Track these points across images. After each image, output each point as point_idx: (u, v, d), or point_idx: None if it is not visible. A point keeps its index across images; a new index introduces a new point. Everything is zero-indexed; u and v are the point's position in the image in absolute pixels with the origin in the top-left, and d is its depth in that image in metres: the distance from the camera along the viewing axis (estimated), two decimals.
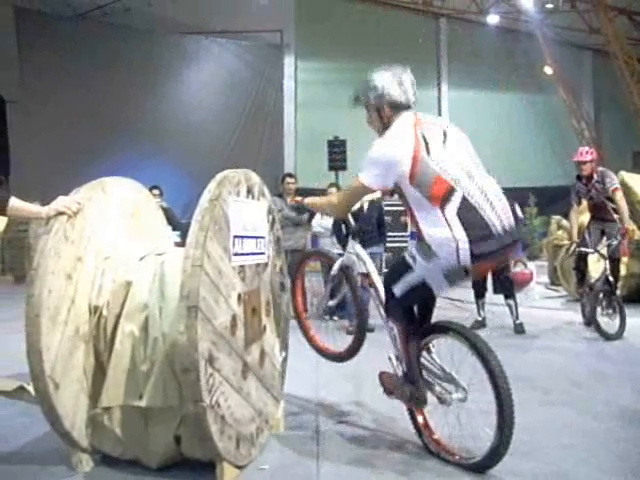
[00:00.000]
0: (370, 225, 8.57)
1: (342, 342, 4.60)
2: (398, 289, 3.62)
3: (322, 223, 9.55)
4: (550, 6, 23.32)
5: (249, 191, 3.82)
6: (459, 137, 3.60)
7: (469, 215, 3.28)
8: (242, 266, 3.68)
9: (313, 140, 18.42)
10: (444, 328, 3.70)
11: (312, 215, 9.83)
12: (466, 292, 9.68)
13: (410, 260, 3.50)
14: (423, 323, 3.85)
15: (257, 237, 3.93)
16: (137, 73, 20.53)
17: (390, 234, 10.06)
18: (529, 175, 24.79)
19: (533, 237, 20.62)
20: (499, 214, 3.34)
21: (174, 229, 6.94)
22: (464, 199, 3.29)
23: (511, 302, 8.44)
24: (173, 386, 3.52)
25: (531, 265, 8.81)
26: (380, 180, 3.52)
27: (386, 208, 9.91)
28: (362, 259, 4.24)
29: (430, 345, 3.84)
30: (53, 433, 3.57)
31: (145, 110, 19.45)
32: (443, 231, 3.27)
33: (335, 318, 9.30)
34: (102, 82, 20.23)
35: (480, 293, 8.70)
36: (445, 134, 3.50)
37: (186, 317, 3.09)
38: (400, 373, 3.91)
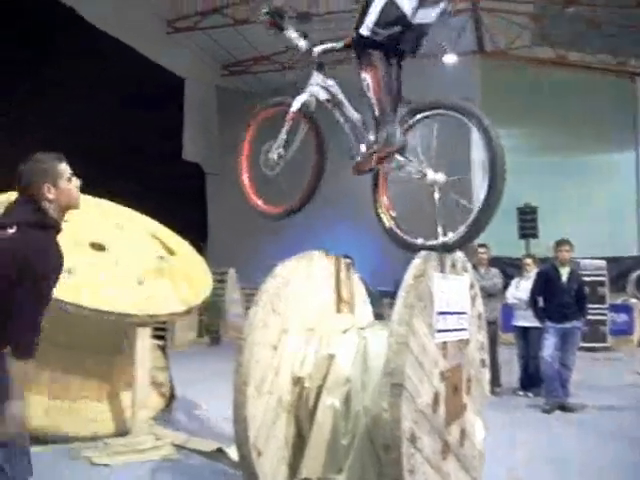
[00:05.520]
0: (570, 298, 8.17)
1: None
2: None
3: (517, 295, 9.21)
4: None
5: (453, 266, 3.77)
6: None
7: None
8: (445, 342, 3.61)
9: (502, 208, 18.02)
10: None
11: (506, 286, 9.56)
12: None
13: None
14: None
15: (459, 313, 3.85)
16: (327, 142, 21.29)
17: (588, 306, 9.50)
18: None
19: None
20: None
21: None
22: None
23: None
24: (372, 462, 3.48)
25: None
26: None
27: (584, 279, 9.40)
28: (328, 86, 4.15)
29: None
30: None
31: (333, 178, 20.04)
32: None
33: (530, 394, 8.89)
34: (293, 154, 21.14)
35: None
36: None
37: (390, 394, 3.05)
38: None
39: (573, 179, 21.51)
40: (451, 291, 3.70)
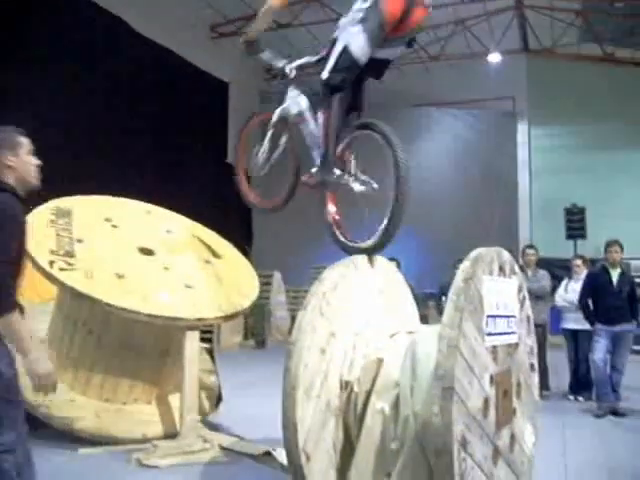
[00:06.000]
0: (620, 300, 8.00)
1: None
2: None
3: (567, 297, 9.05)
4: None
5: (501, 269, 3.73)
6: None
7: None
8: (494, 346, 3.56)
9: (549, 208, 17.75)
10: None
11: (554, 288, 9.40)
12: None
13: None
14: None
15: (509, 316, 3.80)
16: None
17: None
18: None
19: None
20: None
21: None
22: None
23: None
24: (422, 467, 3.44)
25: None
26: None
27: (637, 280, 9.18)
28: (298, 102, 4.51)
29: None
30: None
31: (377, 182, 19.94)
32: None
33: (580, 398, 8.72)
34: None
35: None
36: None
37: (440, 398, 3.02)
38: None
39: (622, 177, 20.99)
40: (500, 294, 3.65)
